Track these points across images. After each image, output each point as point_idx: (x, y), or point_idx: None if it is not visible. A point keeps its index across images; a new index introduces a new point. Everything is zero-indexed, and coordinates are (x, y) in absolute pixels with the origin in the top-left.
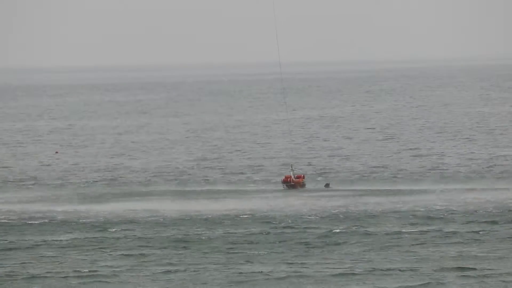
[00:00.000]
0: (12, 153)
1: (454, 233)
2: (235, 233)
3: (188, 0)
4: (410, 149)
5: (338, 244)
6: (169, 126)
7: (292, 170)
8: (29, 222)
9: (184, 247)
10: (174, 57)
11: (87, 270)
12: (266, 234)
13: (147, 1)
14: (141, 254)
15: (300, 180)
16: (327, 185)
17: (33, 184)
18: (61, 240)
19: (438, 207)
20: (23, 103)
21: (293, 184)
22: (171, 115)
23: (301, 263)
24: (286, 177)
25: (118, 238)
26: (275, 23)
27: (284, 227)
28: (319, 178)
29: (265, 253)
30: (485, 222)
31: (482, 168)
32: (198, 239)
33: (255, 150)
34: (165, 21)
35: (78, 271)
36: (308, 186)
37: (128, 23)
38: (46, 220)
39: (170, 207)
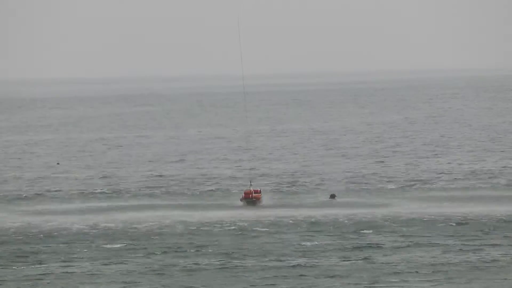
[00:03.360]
0: (13, 165)
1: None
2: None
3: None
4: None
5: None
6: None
7: (251, 185)
8: (31, 234)
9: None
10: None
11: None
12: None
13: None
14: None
15: (259, 195)
16: (332, 196)
17: (35, 196)
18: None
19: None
20: (20, 115)
21: (253, 200)
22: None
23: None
24: (246, 193)
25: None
26: (239, 34)
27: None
28: (323, 188)
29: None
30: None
31: (492, 179)
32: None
33: (215, 165)
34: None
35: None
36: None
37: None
38: (47, 232)
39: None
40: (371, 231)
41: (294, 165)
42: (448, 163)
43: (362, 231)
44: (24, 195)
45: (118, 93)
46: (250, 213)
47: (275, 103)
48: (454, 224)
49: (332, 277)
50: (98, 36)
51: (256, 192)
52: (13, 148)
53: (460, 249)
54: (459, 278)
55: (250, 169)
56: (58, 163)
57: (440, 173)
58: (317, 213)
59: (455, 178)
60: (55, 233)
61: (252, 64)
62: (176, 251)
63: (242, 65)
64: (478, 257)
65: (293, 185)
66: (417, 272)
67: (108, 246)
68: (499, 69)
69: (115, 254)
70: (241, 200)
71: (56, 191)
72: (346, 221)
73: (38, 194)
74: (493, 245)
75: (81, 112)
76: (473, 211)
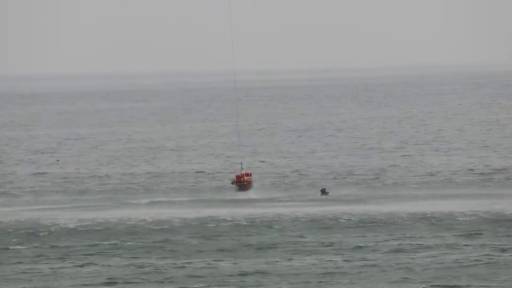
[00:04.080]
0: (12, 161)
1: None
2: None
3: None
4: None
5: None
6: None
7: (242, 168)
8: (29, 230)
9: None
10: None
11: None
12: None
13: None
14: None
15: (250, 178)
16: (323, 191)
17: (34, 193)
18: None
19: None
20: (20, 111)
21: (245, 183)
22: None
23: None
24: (238, 177)
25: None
26: (231, 31)
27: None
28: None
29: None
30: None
31: (482, 176)
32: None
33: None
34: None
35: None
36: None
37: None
38: (46, 229)
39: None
40: (368, 228)
41: (289, 161)
42: (447, 159)
43: (359, 228)
44: (21, 191)
45: (114, 89)
46: (244, 210)
47: (274, 99)
48: (455, 222)
49: (329, 276)
50: (96, 35)
51: (247, 175)
52: (12, 145)
53: (464, 246)
54: (462, 278)
55: (239, 145)
56: (57, 160)
57: (439, 170)
58: (310, 209)
59: (455, 175)
60: (48, 230)
61: (251, 62)
62: (171, 248)
63: (234, 61)
64: (482, 255)
65: (288, 181)
66: (420, 270)
67: (105, 242)
68: (499, 65)
69: (110, 251)
70: (232, 183)
71: (53, 187)
72: (341, 217)
73: (34, 190)
74: (497, 244)
75: (80, 108)
76: (475, 209)
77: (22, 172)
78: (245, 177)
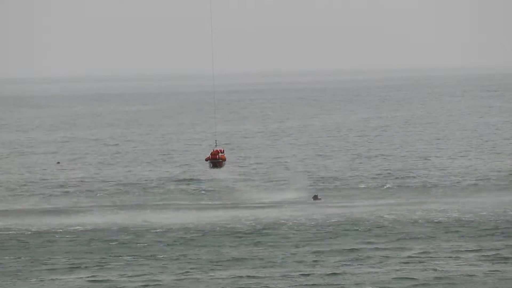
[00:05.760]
0: (12, 164)
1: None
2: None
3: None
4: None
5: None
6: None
7: (216, 145)
8: (29, 233)
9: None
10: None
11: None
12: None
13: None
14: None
15: (224, 155)
16: (315, 197)
17: (34, 195)
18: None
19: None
20: (17, 114)
21: (219, 161)
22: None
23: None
24: (213, 154)
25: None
26: (211, 33)
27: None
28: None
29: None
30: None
31: (482, 179)
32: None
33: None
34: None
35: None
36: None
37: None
38: (46, 231)
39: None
40: (361, 233)
41: (284, 165)
42: (444, 161)
43: (351, 233)
44: (21, 193)
45: (105, 92)
46: (232, 214)
47: (268, 101)
48: (452, 225)
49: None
50: (90, 36)
51: (221, 151)
52: (13, 147)
53: (463, 251)
54: (461, 282)
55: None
56: (58, 162)
57: (435, 172)
58: (301, 214)
59: (451, 177)
60: (39, 233)
61: (248, 64)
62: (162, 253)
63: (213, 64)
64: (480, 258)
65: (279, 185)
66: (417, 275)
67: (107, 245)
68: (499, 67)
69: (108, 253)
70: (206, 160)
71: (52, 190)
72: (334, 223)
73: (34, 193)
74: (494, 247)
75: (76, 111)
76: (473, 211)
77: (22, 174)
78: (219, 154)
